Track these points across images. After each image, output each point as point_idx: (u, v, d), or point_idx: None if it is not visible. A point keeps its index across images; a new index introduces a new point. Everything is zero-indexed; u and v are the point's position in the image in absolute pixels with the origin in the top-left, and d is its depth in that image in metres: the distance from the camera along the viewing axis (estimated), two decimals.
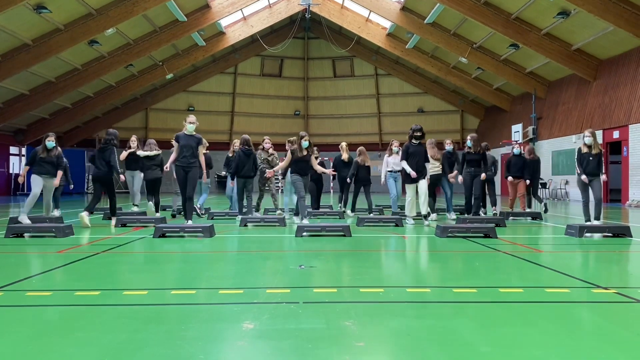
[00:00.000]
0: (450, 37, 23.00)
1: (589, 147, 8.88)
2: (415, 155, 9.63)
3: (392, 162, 11.61)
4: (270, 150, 11.32)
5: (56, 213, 10.77)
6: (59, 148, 9.49)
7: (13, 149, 26.27)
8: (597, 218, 8.80)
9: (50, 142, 9.20)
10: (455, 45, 23.10)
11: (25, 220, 8.69)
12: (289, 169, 9.99)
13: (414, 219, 9.81)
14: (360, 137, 29.92)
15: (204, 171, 9.01)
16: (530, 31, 19.66)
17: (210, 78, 31.20)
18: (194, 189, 8.74)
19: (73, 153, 23.84)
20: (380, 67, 31.46)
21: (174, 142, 8.69)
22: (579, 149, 9.01)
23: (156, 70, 26.25)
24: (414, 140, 9.67)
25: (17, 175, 26.34)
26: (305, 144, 9.55)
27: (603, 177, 8.83)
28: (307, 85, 32.88)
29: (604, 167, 8.91)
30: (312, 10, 24.95)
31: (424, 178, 9.64)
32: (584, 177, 8.81)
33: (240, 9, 23.55)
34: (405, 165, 9.64)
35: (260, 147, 11.21)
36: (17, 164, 26.69)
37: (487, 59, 23.27)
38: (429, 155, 11.97)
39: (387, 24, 25.15)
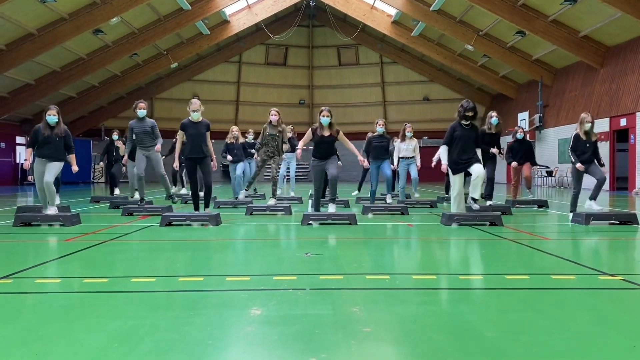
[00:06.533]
0: (456, 25, 22.82)
1: (587, 133, 8.02)
2: (461, 141, 7.65)
3: (405, 148, 11.01)
4: (281, 123, 10.02)
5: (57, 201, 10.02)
6: (64, 125, 8.07)
7: (19, 139, 26.40)
8: (593, 197, 8.08)
9: (52, 116, 7.82)
10: (461, 33, 22.93)
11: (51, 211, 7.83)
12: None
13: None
14: (365, 125, 29.81)
15: (213, 159, 8.01)
16: (537, 18, 19.47)
17: (214, 67, 31.14)
18: (211, 176, 7.97)
19: (79, 143, 23.88)
20: (385, 55, 31.26)
21: (178, 134, 7.88)
22: (576, 136, 8.08)
23: (161, 59, 26.25)
24: (463, 122, 7.70)
25: (23, 164, 26.51)
26: (324, 120, 8.05)
27: (604, 169, 8.12)
28: (312, 74, 32.75)
29: (600, 156, 8.16)
30: None
31: (478, 162, 7.72)
32: (579, 165, 7.97)
33: None
34: (443, 151, 7.82)
35: (268, 121, 9.96)
36: (23, 154, 26.77)
37: (494, 46, 23.09)
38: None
39: (393, 12, 24.96)
